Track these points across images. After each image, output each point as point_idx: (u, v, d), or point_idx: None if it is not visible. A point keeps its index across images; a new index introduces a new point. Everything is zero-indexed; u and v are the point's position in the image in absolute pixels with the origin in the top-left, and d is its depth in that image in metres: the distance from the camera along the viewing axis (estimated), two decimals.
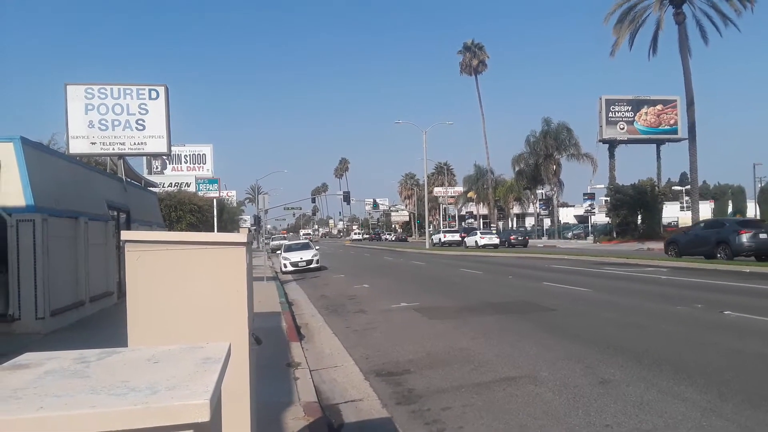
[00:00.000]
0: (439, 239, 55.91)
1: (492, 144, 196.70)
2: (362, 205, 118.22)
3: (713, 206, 41.18)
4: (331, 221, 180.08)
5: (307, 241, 31.73)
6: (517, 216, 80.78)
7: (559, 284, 15.44)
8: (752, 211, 41.50)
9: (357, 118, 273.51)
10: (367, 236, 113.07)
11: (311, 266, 25.91)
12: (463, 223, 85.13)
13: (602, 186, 61.61)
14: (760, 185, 45.10)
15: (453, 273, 21.96)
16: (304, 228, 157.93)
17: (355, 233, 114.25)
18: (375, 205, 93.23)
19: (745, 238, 20.76)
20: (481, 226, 78.92)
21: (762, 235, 20.87)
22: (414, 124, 71.65)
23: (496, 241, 45.47)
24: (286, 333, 9.37)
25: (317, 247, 28.53)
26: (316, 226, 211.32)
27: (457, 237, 53.68)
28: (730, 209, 39.53)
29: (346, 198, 60.16)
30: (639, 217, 44.59)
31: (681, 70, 35.99)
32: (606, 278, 17.18)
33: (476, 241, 46.24)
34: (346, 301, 14.15)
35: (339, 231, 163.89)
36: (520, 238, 48.49)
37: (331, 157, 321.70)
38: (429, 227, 60.13)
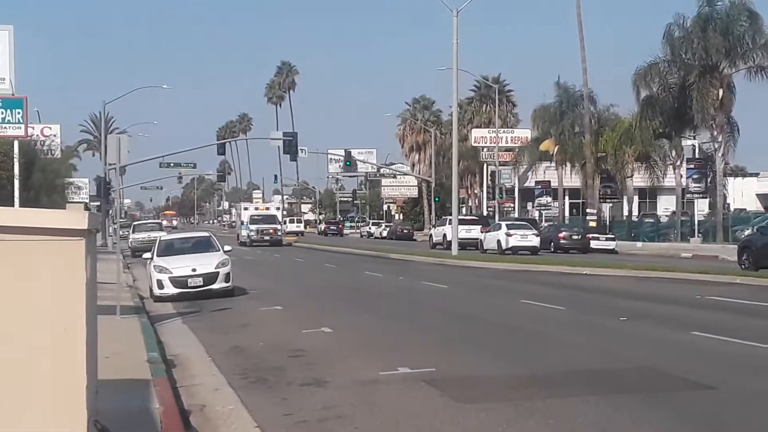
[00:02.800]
0: (443, 235, 58.96)
1: (594, 52, 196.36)
2: (322, 161, 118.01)
3: None
4: (257, 194, 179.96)
5: (207, 235, 31.60)
6: (641, 192, 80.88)
7: (719, 336, 15.56)
8: None
9: None
10: (331, 224, 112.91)
11: (214, 287, 25.88)
12: (529, 205, 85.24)
13: None
14: None
15: (505, 307, 21.97)
16: (261, 199, 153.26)
17: (292, 221, 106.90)
18: (349, 162, 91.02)
19: None
20: (566, 212, 79.05)
21: None
22: None
23: (535, 241, 49.78)
24: (160, 424, 9.38)
25: (227, 248, 28.44)
26: (227, 203, 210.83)
27: (476, 231, 56.62)
28: None
29: (290, 147, 59.80)
30: None
31: None
32: None
33: (499, 241, 49.87)
34: (286, 361, 14.14)
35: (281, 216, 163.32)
36: (575, 237, 53.73)
37: (262, 61, 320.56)
38: (460, 210, 59.89)
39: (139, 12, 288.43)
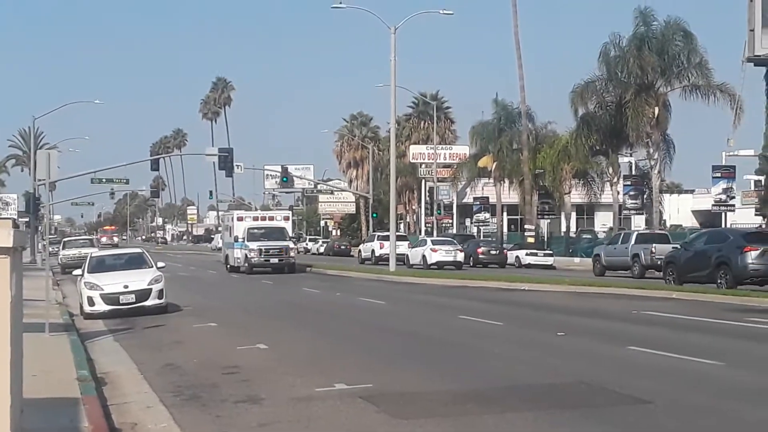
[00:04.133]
0: (371, 251, 61.74)
1: (532, 69, 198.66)
2: (259, 177, 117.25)
3: None
4: (191, 210, 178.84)
5: (139, 251, 31.28)
6: (578, 208, 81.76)
7: (655, 350, 15.76)
8: None
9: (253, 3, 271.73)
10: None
11: (147, 303, 25.66)
12: (468, 221, 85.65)
13: (751, 153, 62.89)
14: None
15: (443, 322, 22.05)
16: (196, 215, 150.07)
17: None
18: (285, 179, 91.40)
19: (750, 258, 28.98)
20: (504, 228, 79.55)
21: None
22: (371, 12, 68.88)
23: (459, 256, 53.04)
24: None
25: (161, 264, 28.21)
26: (161, 220, 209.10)
27: (403, 247, 58.51)
28: None
29: (226, 163, 59.53)
30: None
31: None
32: (753, 339, 17.74)
33: (424, 256, 53.00)
34: (220, 378, 14.06)
35: (209, 230, 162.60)
36: (493, 252, 58.99)
37: (198, 77, 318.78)
38: (397, 226, 60.18)
39: (70, 25, 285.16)
